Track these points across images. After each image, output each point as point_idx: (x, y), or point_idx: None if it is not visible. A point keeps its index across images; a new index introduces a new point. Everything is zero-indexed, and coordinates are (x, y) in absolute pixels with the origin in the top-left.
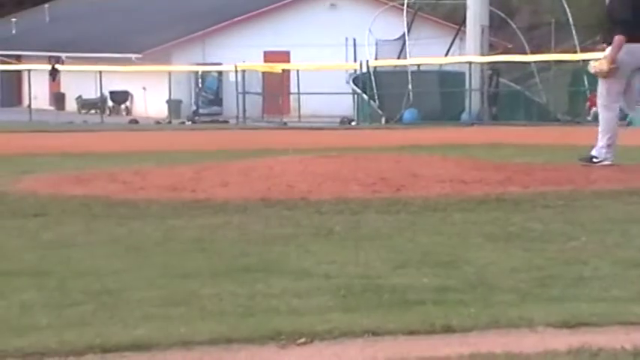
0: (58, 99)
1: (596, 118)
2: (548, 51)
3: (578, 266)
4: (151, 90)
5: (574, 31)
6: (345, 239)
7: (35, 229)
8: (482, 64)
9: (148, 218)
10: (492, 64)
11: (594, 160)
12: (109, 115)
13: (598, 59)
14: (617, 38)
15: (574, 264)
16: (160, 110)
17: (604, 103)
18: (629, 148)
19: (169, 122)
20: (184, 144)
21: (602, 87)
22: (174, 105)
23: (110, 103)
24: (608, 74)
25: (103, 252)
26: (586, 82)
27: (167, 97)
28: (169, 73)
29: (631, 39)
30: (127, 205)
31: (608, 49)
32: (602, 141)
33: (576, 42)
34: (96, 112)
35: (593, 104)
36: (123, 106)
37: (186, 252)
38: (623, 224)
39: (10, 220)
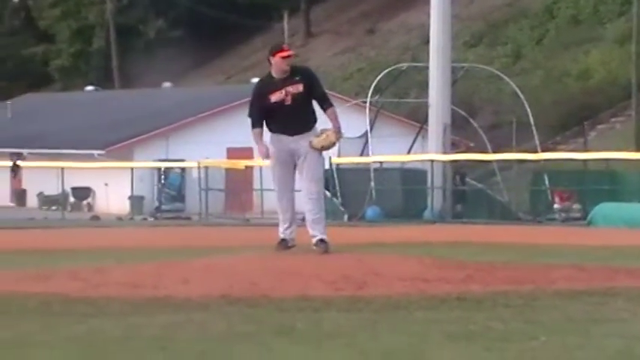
0: (19, 195)
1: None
2: (509, 150)
3: None
4: (113, 186)
5: (535, 131)
6: (307, 337)
7: None
8: (444, 162)
9: (107, 316)
10: (459, 162)
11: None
12: (71, 211)
13: (320, 136)
14: (334, 110)
15: None
16: (122, 206)
17: (322, 190)
18: (589, 247)
19: (131, 219)
20: (146, 241)
21: (320, 173)
22: (136, 201)
23: (72, 199)
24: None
25: (61, 351)
26: (547, 182)
27: (129, 194)
28: (132, 169)
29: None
30: (87, 302)
31: (318, 139)
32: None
33: (537, 142)
34: (57, 209)
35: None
36: (85, 202)
37: (147, 350)
38: (583, 324)
39: None
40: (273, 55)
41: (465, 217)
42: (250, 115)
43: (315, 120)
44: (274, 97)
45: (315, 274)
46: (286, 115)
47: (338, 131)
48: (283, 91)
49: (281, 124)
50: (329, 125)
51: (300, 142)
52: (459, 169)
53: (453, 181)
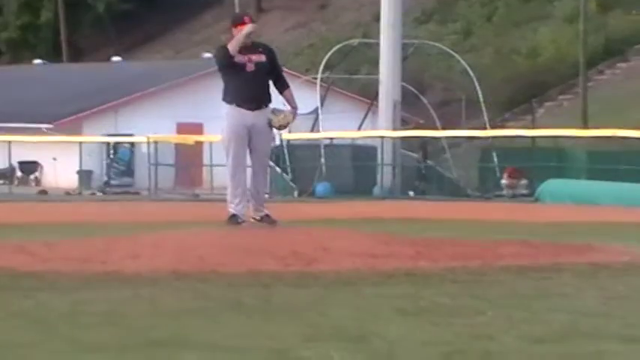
0: None
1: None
2: (458, 127)
3: (485, 341)
4: (61, 160)
5: (484, 108)
6: (256, 312)
7: None
8: (393, 138)
9: (55, 290)
10: (421, 139)
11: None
12: (18, 185)
13: (278, 116)
14: (291, 91)
15: (481, 339)
16: (71, 181)
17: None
18: (537, 224)
19: (80, 193)
20: (95, 215)
21: (270, 150)
22: (84, 176)
23: (19, 174)
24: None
25: (7, 325)
26: (495, 159)
27: (78, 168)
28: (80, 143)
29: None
30: (34, 277)
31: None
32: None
33: (486, 119)
34: (4, 183)
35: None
36: (32, 177)
37: (95, 325)
38: (529, 299)
39: None
40: (236, 26)
41: (418, 194)
42: (222, 62)
43: (270, 98)
44: (238, 59)
45: (265, 249)
46: (247, 82)
47: (295, 112)
48: (246, 57)
49: (241, 94)
50: (280, 106)
51: (259, 117)
52: (422, 145)
53: (418, 158)
